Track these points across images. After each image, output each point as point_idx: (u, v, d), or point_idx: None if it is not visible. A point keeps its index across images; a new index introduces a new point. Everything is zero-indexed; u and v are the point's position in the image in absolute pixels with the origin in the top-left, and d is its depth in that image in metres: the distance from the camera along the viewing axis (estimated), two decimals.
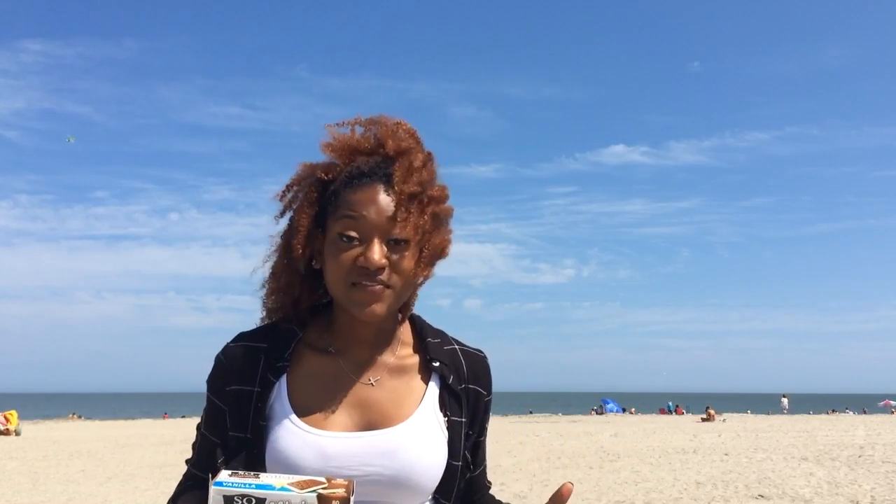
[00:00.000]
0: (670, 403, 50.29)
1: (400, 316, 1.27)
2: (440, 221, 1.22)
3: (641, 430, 25.81)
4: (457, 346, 1.28)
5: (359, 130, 1.23)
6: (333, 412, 1.15)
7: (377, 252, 1.11)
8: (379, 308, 1.13)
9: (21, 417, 27.45)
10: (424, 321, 1.30)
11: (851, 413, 46.49)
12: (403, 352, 1.25)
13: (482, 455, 1.31)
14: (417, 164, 1.17)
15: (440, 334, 1.29)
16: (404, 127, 1.22)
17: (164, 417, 43.74)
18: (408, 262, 1.14)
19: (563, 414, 45.26)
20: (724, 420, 33.95)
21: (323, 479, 1.06)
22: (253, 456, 1.13)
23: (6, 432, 24.61)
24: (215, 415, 1.20)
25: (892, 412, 46.04)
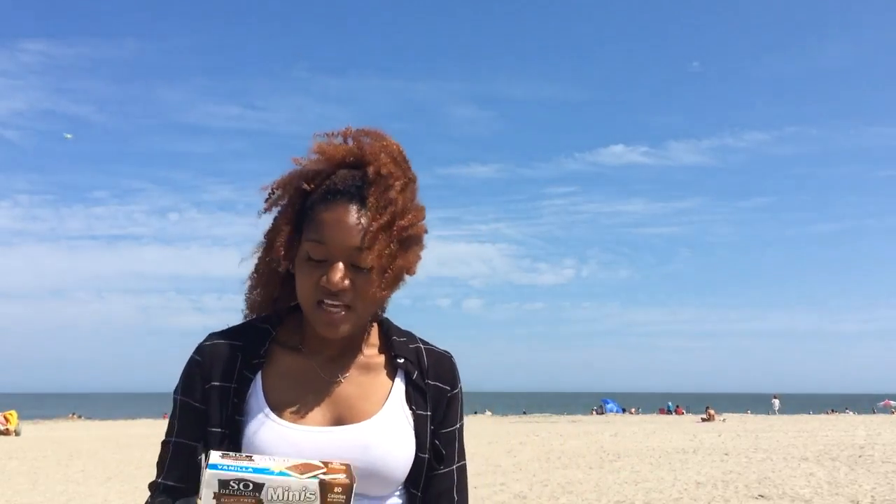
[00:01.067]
0: (670, 403, 50.34)
1: (372, 318, 1.31)
2: (409, 244, 1.23)
3: (641, 430, 25.81)
4: (422, 346, 1.32)
5: (349, 142, 1.25)
6: (306, 407, 1.20)
7: (338, 275, 1.15)
8: (341, 329, 1.18)
9: (21, 417, 27.46)
10: (391, 322, 1.34)
11: (851, 413, 46.49)
12: (371, 351, 1.29)
13: (451, 453, 1.29)
14: (394, 193, 1.18)
15: (407, 334, 1.34)
16: (391, 148, 1.23)
17: (164, 417, 43.70)
18: (370, 285, 1.17)
19: (563, 414, 45.25)
20: (724, 420, 33.97)
21: (319, 463, 1.06)
22: (229, 450, 1.15)
23: (6, 432, 24.62)
24: (192, 418, 1.22)
25: (893, 412, 46.06)
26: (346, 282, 1.15)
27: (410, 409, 1.25)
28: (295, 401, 1.21)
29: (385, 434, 1.20)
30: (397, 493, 1.24)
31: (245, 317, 1.34)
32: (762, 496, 10.04)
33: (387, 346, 1.30)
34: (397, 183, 1.19)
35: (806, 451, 16.37)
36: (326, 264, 1.16)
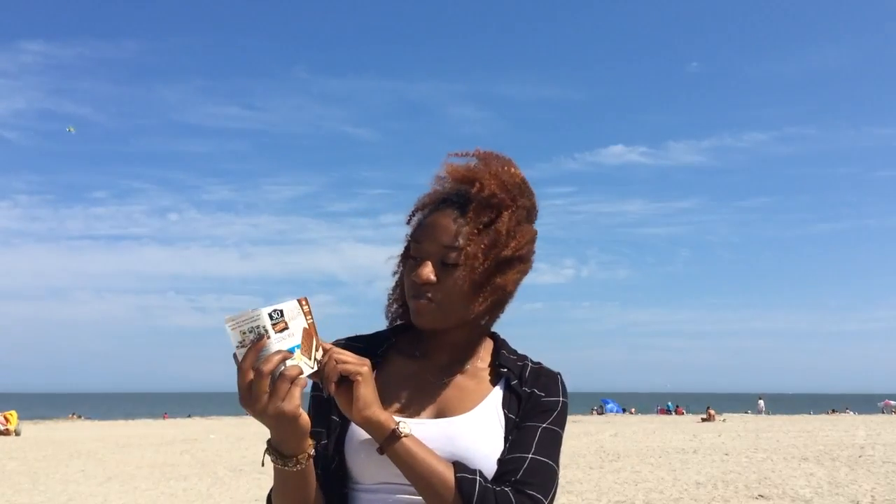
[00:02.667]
0: (670, 403, 50.31)
1: (479, 331, 1.40)
2: (509, 264, 1.31)
3: (641, 430, 25.82)
4: (530, 363, 1.39)
5: (471, 162, 1.37)
6: (407, 403, 1.32)
7: (425, 269, 1.27)
8: (423, 320, 1.30)
9: (21, 417, 27.45)
10: (506, 342, 1.43)
11: (851, 413, 46.51)
12: (479, 363, 1.38)
13: (523, 441, 1.28)
14: (495, 215, 1.29)
15: (519, 355, 1.41)
16: (501, 174, 1.33)
17: (164, 417, 43.70)
18: (454, 283, 1.27)
19: None
20: (724, 420, 33.98)
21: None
22: (338, 435, 1.30)
23: (6, 432, 24.61)
24: (319, 409, 1.33)
25: (893, 412, 46.07)
26: (432, 276, 1.27)
27: (504, 411, 1.30)
28: (400, 397, 1.32)
29: (473, 429, 1.27)
30: None
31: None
32: (762, 496, 10.05)
33: (495, 359, 1.38)
34: (502, 207, 1.30)
35: (806, 451, 16.37)
36: (420, 261, 1.29)
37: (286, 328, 1.11)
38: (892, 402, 49.85)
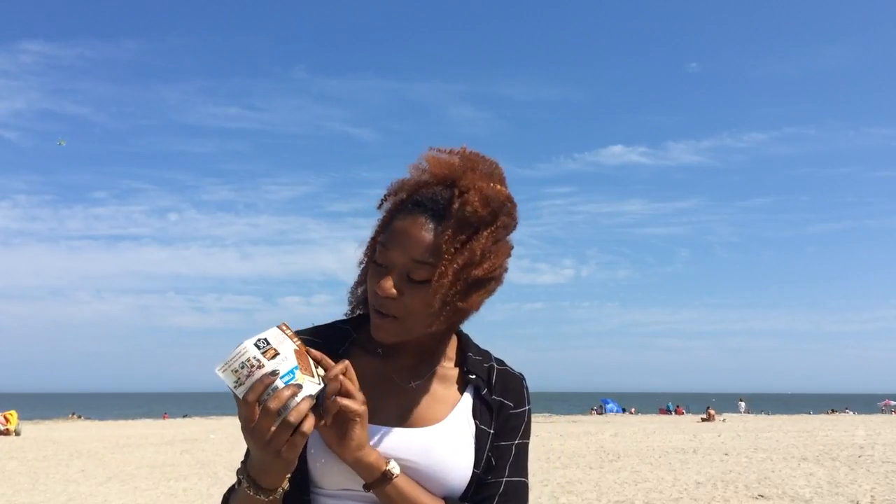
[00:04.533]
0: (670, 403, 50.34)
1: (446, 333, 1.33)
2: (478, 286, 1.22)
3: (641, 430, 25.82)
4: (495, 365, 1.35)
5: (456, 160, 1.25)
6: (376, 408, 1.22)
7: (388, 283, 1.18)
8: (383, 335, 1.22)
9: (21, 417, 27.44)
10: (471, 340, 1.38)
11: (851, 413, 46.50)
12: (447, 363, 1.33)
13: (502, 465, 1.28)
14: (472, 235, 1.19)
15: (483, 353, 1.37)
16: (486, 191, 1.20)
17: (164, 417, 43.70)
18: (420, 301, 1.18)
19: (563, 414, 45.26)
20: (724, 420, 33.97)
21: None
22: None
23: (6, 432, 24.61)
24: None
25: (892, 412, 46.06)
26: (394, 291, 1.18)
27: (475, 422, 1.27)
28: (367, 402, 1.21)
29: (448, 441, 1.23)
30: None
31: (346, 314, 1.37)
32: (762, 496, 10.05)
33: (462, 361, 1.34)
34: (481, 225, 1.19)
35: (806, 451, 16.38)
36: (385, 269, 1.19)
37: (277, 354, 1.07)
38: (892, 402, 49.89)
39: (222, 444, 20.12)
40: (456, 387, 1.31)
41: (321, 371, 1.14)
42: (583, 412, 47.20)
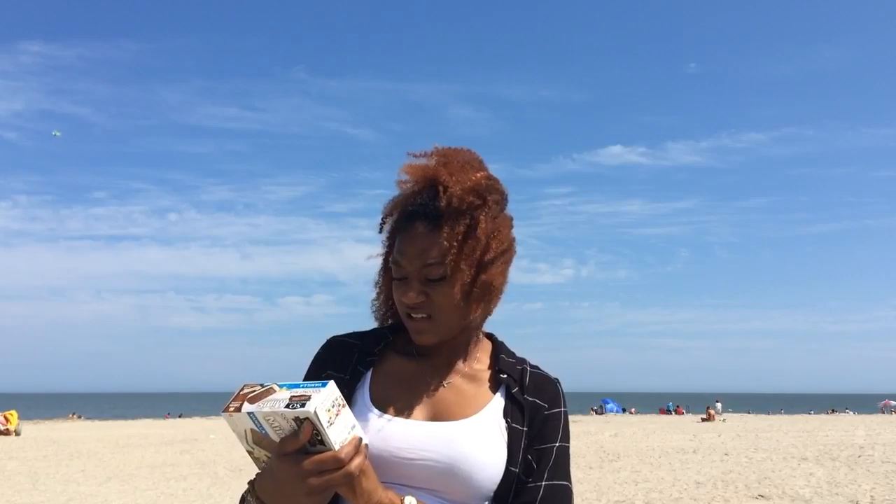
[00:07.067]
0: (670, 403, 50.34)
1: (476, 330, 1.38)
2: (491, 262, 1.28)
3: (641, 430, 25.83)
4: (528, 367, 1.37)
5: (431, 161, 1.31)
6: (404, 404, 1.29)
7: (410, 293, 1.26)
8: (425, 338, 1.29)
9: (21, 417, 27.45)
10: (504, 344, 1.41)
11: (851, 413, 46.51)
12: (478, 364, 1.37)
13: (542, 468, 1.28)
14: (471, 224, 1.25)
15: (517, 357, 1.40)
16: (464, 179, 1.27)
17: (164, 417, 43.71)
18: (445, 296, 1.25)
19: None
20: (724, 420, 33.98)
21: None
22: None
23: (6, 432, 24.61)
24: None
25: (892, 412, 46.07)
26: (420, 298, 1.25)
27: (506, 420, 1.28)
28: (396, 397, 1.30)
29: (472, 435, 1.24)
30: None
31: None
32: (762, 496, 10.06)
33: (495, 363, 1.36)
34: (474, 210, 1.26)
35: (806, 451, 16.39)
36: (405, 282, 1.27)
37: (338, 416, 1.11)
38: (892, 402, 49.89)
39: (222, 444, 20.12)
40: (488, 386, 1.33)
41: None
42: (583, 412, 47.19)
